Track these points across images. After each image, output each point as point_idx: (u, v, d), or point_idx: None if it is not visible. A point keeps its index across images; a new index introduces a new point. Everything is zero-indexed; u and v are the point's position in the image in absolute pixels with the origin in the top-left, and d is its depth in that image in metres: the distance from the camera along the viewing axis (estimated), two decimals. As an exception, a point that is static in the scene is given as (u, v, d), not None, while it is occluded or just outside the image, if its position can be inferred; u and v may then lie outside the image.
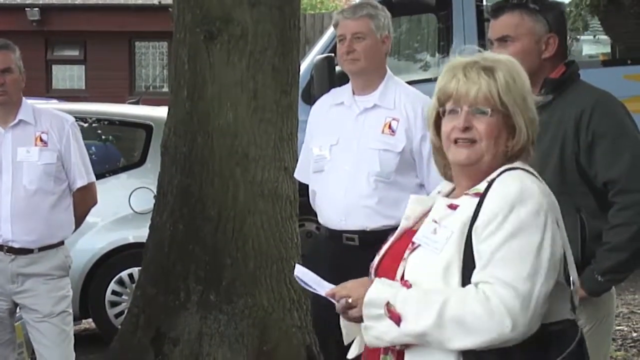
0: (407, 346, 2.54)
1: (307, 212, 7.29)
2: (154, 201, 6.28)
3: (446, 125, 2.63)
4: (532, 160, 2.64)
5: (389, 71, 4.58)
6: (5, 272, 4.91)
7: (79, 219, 5.16)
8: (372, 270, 2.72)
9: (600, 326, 3.53)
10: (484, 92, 2.56)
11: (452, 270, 2.49)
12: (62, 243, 5.04)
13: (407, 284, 2.53)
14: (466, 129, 2.58)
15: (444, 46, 9.88)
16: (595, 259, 3.47)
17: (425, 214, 2.69)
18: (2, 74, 4.88)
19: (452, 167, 2.69)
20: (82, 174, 5.04)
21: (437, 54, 10.19)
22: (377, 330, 2.53)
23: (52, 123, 4.99)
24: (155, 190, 6.29)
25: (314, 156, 4.58)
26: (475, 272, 2.47)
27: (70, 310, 5.05)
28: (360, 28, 4.47)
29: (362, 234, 4.39)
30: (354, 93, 4.55)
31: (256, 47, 5.90)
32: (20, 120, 4.96)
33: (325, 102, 4.73)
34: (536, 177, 2.59)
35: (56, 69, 23.20)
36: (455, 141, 2.61)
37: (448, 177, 2.75)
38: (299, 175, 4.82)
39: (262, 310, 5.92)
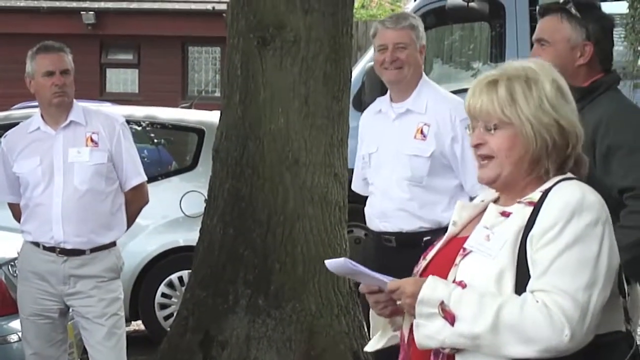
0: (457, 351, 2.50)
1: (356, 218, 7.33)
2: (204, 205, 6.33)
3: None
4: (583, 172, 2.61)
5: (424, 76, 4.77)
6: (58, 274, 4.92)
7: (131, 218, 5.17)
8: (417, 275, 2.67)
9: None
10: (486, 108, 2.56)
11: (506, 277, 2.47)
12: (114, 244, 5.04)
13: (462, 284, 2.50)
14: (478, 145, 2.59)
15: (496, 54, 9.84)
16: None
17: (472, 220, 2.67)
18: (62, 75, 4.91)
19: None
20: (136, 172, 5.05)
21: (489, 62, 10.15)
22: (429, 329, 2.48)
23: (102, 123, 4.99)
24: (206, 194, 6.33)
25: (360, 165, 4.86)
26: (531, 280, 2.45)
27: (122, 314, 5.05)
28: (403, 38, 4.64)
29: (399, 235, 4.63)
30: (391, 100, 4.77)
31: (308, 53, 5.92)
32: (71, 121, 4.95)
33: (370, 111, 4.96)
34: (590, 188, 2.55)
35: (110, 73, 23.42)
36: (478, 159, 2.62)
37: None
38: (356, 187, 4.98)
39: (309, 316, 5.93)
